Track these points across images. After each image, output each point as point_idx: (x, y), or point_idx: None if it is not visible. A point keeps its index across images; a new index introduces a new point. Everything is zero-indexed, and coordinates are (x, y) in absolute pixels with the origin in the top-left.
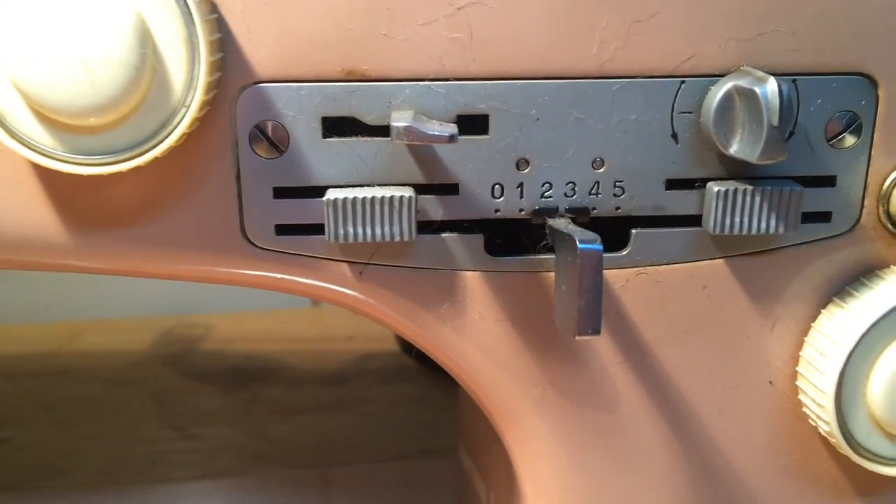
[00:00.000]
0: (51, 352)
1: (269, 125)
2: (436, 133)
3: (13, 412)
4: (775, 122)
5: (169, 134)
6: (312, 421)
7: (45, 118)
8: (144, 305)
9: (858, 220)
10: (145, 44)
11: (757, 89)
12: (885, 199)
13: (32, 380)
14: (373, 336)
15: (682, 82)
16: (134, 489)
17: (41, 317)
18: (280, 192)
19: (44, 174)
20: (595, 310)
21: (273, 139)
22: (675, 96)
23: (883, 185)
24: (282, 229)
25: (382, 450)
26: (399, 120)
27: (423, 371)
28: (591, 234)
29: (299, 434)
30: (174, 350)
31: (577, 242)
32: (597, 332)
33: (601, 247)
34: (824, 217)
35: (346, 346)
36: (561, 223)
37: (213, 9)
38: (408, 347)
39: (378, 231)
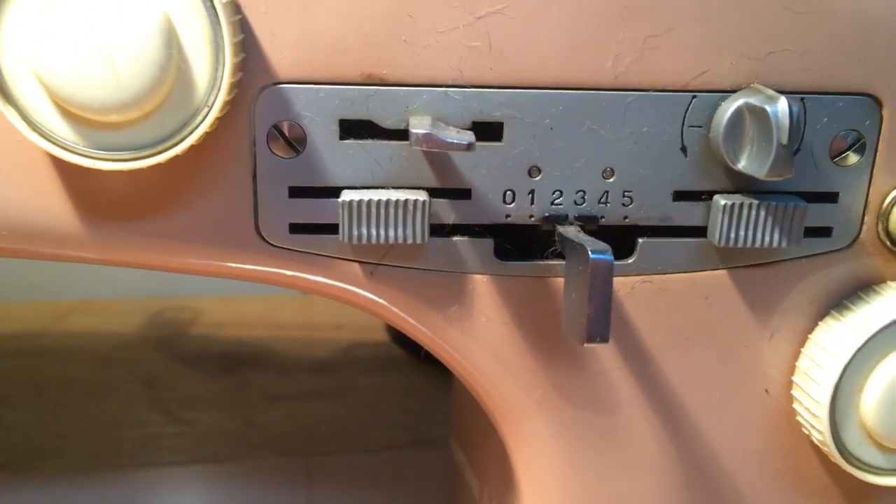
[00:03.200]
0: (38, 331)
1: (287, 125)
2: (454, 141)
3: (2, 391)
4: (784, 140)
5: (190, 133)
6: (302, 409)
7: (67, 112)
8: (133, 287)
9: (858, 236)
10: (171, 44)
11: (768, 108)
12: (884, 216)
13: (21, 359)
14: (362, 325)
15: (694, 97)
16: (124, 473)
17: (28, 296)
18: (295, 192)
19: (61, 166)
20: (604, 318)
21: (290, 139)
22: (686, 110)
23: (883, 203)
24: (296, 228)
25: (372, 440)
26: (418, 126)
27: (412, 361)
28: (602, 245)
29: (289, 421)
30: (163, 333)
31: (590, 252)
32: (605, 340)
33: (612, 257)
34: (825, 232)
35: (335, 334)
36: (571, 231)
37: (237, 10)
38: (397, 337)
39: (391, 233)
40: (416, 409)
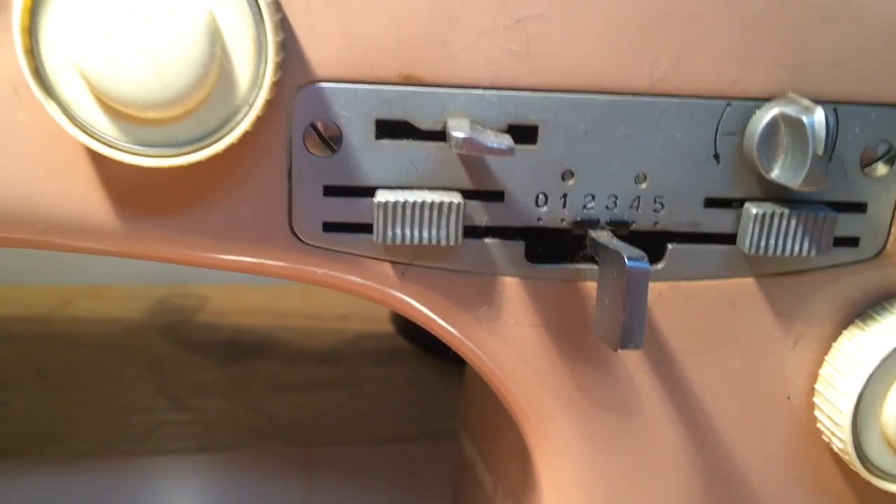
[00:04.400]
0: (44, 316)
1: (324, 124)
2: (494, 146)
3: (8, 376)
4: (820, 151)
5: (231, 131)
6: (308, 399)
7: (109, 108)
8: (137, 273)
9: (885, 246)
10: (215, 42)
11: (804, 119)
12: None
13: (27, 343)
14: (367, 316)
15: (728, 105)
16: (131, 460)
17: (32, 279)
18: (330, 191)
19: (98, 160)
20: (639, 325)
21: (327, 138)
22: (721, 118)
23: None
24: (329, 226)
25: (378, 432)
26: (458, 130)
27: (418, 353)
28: (638, 252)
29: (295, 411)
30: (169, 320)
31: (626, 260)
32: (639, 346)
33: (649, 265)
34: (852, 242)
35: (340, 324)
36: (604, 236)
37: (279, 8)
38: (403, 329)
39: (425, 234)
40: (423, 402)
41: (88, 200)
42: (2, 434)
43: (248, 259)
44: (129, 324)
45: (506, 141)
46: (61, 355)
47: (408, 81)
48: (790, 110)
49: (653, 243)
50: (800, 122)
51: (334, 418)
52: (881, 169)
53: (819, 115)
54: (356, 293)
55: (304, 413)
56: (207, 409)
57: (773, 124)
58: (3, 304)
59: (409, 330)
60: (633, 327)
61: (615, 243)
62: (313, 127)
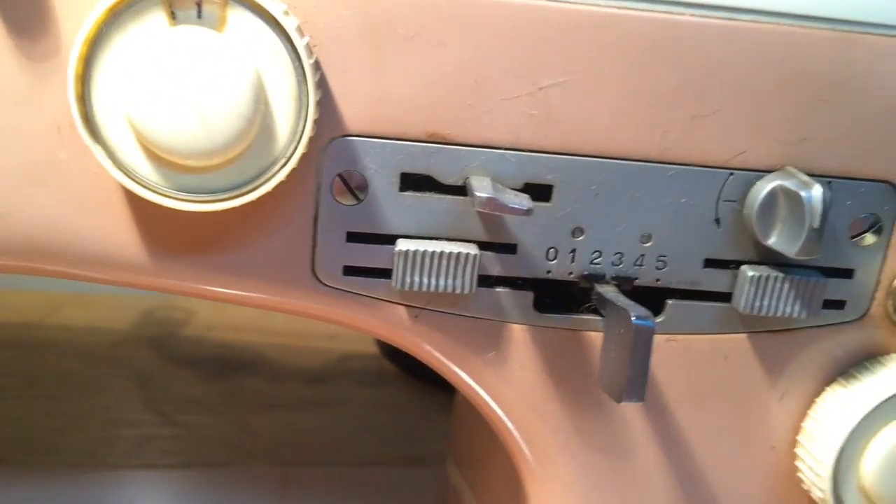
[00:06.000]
0: (32, 322)
1: (352, 175)
2: (515, 206)
3: None
4: (816, 224)
5: (267, 181)
6: (293, 418)
7: (152, 154)
8: None
9: (868, 310)
10: (260, 99)
11: (802, 193)
12: (894, 293)
13: (14, 350)
14: (353, 336)
15: (731, 174)
16: (120, 473)
17: (21, 284)
18: (353, 237)
19: (133, 199)
20: (642, 380)
21: (353, 188)
22: (723, 186)
23: (893, 281)
24: (349, 270)
25: (361, 453)
26: (481, 190)
27: (403, 377)
28: (644, 310)
29: (281, 430)
30: (156, 333)
31: (633, 318)
32: (642, 399)
33: (654, 324)
34: (839, 305)
35: (326, 343)
36: (611, 292)
37: (318, 67)
38: (388, 352)
39: (442, 282)
40: (407, 425)
41: (121, 236)
42: None
43: (270, 297)
44: (117, 334)
45: (525, 202)
46: (49, 364)
47: (433, 139)
48: (789, 184)
49: (653, 298)
50: (798, 196)
51: (318, 438)
52: (868, 239)
53: (817, 192)
54: (371, 333)
55: (289, 432)
56: (195, 425)
57: (772, 195)
58: None
59: (394, 352)
60: (636, 381)
61: (622, 300)
62: (341, 177)
